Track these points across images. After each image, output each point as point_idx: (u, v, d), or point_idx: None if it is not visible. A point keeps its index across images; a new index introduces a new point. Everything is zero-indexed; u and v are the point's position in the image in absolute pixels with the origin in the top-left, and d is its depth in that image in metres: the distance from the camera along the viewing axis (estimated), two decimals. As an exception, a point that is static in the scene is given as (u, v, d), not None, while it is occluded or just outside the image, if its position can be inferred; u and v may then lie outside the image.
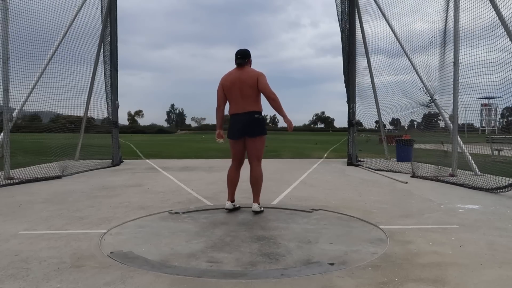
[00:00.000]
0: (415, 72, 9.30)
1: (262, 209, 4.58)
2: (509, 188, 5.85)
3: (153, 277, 2.61)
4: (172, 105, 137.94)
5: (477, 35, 6.87)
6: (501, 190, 5.92)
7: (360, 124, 11.72)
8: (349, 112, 11.19)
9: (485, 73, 6.59)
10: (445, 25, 7.79)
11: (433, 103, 8.74)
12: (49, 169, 8.02)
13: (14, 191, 6.08)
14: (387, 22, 9.90)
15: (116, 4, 10.68)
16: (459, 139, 8.10)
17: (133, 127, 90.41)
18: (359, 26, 11.20)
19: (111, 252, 3.09)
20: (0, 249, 3.17)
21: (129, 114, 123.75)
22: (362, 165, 10.41)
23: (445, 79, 7.91)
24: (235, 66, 4.63)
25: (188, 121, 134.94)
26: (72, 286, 2.45)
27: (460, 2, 7.45)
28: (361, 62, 11.40)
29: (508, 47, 6.15)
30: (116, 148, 10.76)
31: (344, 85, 11.23)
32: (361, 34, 11.23)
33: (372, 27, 10.87)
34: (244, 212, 4.64)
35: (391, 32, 9.92)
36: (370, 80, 11.49)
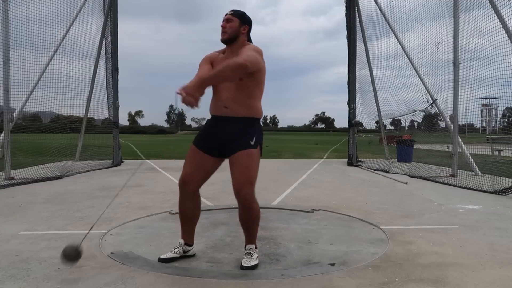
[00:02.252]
0: (416, 73, 9.30)
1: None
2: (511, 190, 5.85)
3: (153, 277, 2.61)
4: (171, 106, 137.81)
5: (477, 35, 6.88)
6: (503, 193, 5.88)
7: (361, 124, 11.72)
8: (349, 113, 11.20)
9: (485, 73, 6.62)
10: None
11: (433, 104, 8.73)
12: (49, 170, 8.02)
13: (14, 192, 6.08)
14: (391, 28, 9.88)
15: (116, 4, 10.69)
16: (460, 140, 8.10)
17: (133, 128, 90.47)
18: (360, 28, 11.25)
19: (111, 253, 3.09)
20: (1, 250, 3.17)
21: (129, 114, 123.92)
22: (362, 166, 10.41)
23: (446, 76, 7.92)
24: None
25: (188, 121, 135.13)
26: (72, 287, 2.45)
27: (460, 2, 7.46)
28: (363, 70, 11.49)
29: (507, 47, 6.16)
30: (117, 148, 10.76)
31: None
32: (363, 41, 11.29)
33: (376, 38, 10.93)
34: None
35: (391, 34, 9.93)
36: (370, 80, 11.50)
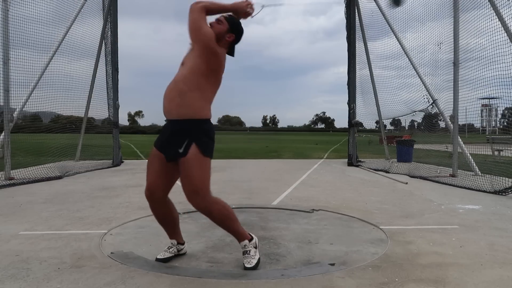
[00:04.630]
0: (416, 73, 9.30)
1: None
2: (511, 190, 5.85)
3: (153, 277, 2.61)
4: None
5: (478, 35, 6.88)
6: (503, 193, 5.89)
7: (360, 124, 11.73)
8: (349, 113, 11.21)
9: (485, 73, 6.62)
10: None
11: (433, 104, 8.73)
12: (49, 170, 8.02)
13: (14, 192, 6.08)
14: (391, 28, 9.87)
15: (116, 4, 10.69)
16: (460, 140, 8.10)
17: (133, 128, 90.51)
18: (360, 29, 11.26)
19: (111, 253, 3.09)
20: (1, 250, 3.17)
21: (129, 114, 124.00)
22: (362, 166, 10.41)
23: (445, 76, 7.92)
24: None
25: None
26: (72, 287, 2.45)
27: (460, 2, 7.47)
28: (363, 70, 11.50)
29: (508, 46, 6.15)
30: (117, 148, 10.76)
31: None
32: (363, 42, 11.31)
33: (376, 37, 10.93)
34: (244, 212, 4.63)
35: (391, 34, 9.93)
36: (370, 80, 11.51)
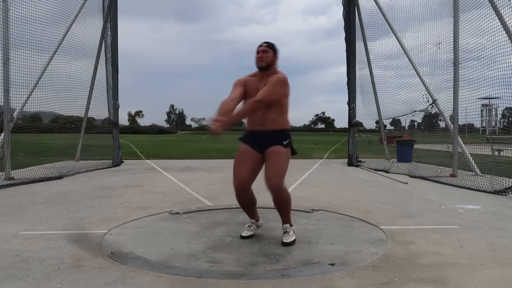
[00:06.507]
0: (416, 73, 9.30)
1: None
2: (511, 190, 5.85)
3: (153, 277, 2.61)
4: (172, 106, 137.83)
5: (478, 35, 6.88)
6: (503, 193, 5.89)
7: (360, 124, 11.73)
8: (349, 113, 11.21)
9: (485, 73, 6.62)
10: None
11: (433, 104, 8.73)
12: (49, 170, 8.02)
13: (14, 192, 6.08)
14: (391, 28, 9.87)
15: (116, 4, 10.69)
16: (460, 140, 8.10)
17: (133, 128, 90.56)
18: (360, 30, 11.26)
19: (111, 253, 3.09)
20: (1, 250, 3.17)
21: (129, 114, 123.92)
22: (362, 166, 10.41)
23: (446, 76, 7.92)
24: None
25: (188, 121, 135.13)
26: (72, 287, 2.46)
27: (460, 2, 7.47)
28: (363, 70, 11.50)
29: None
30: (117, 148, 10.76)
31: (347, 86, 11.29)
32: (363, 43, 11.30)
33: (375, 37, 10.93)
34: (244, 212, 4.62)
35: (391, 34, 9.93)
36: (370, 80, 11.51)
